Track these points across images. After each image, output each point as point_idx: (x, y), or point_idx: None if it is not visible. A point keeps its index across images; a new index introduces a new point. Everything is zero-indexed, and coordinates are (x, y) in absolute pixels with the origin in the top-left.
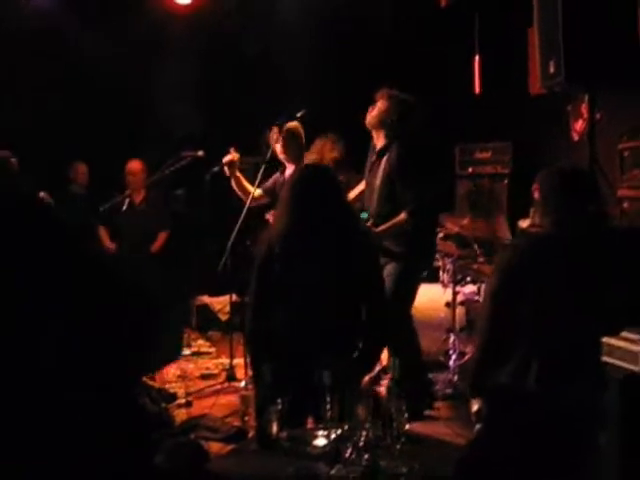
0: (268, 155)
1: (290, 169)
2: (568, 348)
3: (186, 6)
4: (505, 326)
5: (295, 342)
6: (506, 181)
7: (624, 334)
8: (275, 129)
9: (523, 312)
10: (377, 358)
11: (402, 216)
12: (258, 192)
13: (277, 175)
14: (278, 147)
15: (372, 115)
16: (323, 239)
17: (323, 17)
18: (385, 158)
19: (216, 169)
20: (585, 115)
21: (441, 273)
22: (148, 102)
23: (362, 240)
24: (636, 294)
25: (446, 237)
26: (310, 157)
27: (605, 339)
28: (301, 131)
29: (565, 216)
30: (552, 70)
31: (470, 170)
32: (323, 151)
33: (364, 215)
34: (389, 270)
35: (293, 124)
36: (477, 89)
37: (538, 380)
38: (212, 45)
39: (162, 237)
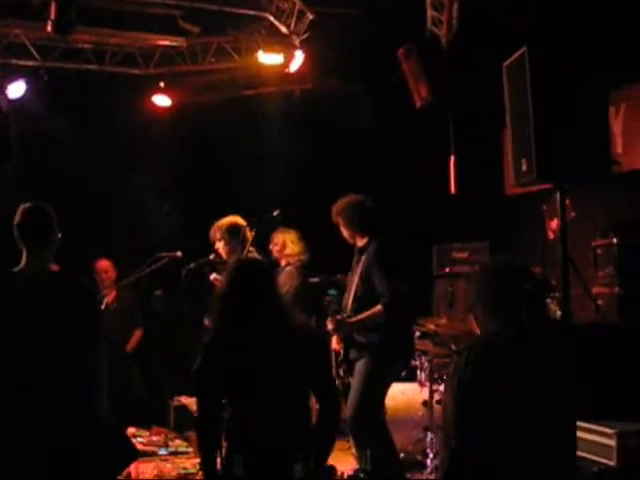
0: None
1: None
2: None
3: (166, 108)
4: (473, 430)
5: (264, 437)
6: None
7: (598, 428)
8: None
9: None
10: (330, 449)
11: (378, 308)
12: None
13: None
14: (219, 245)
15: (345, 236)
16: (266, 334)
17: (300, 113)
18: (364, 255)
19: (192, 265)
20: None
21: (418, 372)
22: (126, 202)
23: (303, 333)
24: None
25: (423, 336)
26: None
27: (579, 433)
28: (240, 225)
29: (506, 319)
30: (524, 168)
31: (447, 270)
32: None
33: (332, 292)
34: (359, 368)
35: (230, 220)
36: (453, 189)
37: None
38: (190, 146)
39: (137, 335)
